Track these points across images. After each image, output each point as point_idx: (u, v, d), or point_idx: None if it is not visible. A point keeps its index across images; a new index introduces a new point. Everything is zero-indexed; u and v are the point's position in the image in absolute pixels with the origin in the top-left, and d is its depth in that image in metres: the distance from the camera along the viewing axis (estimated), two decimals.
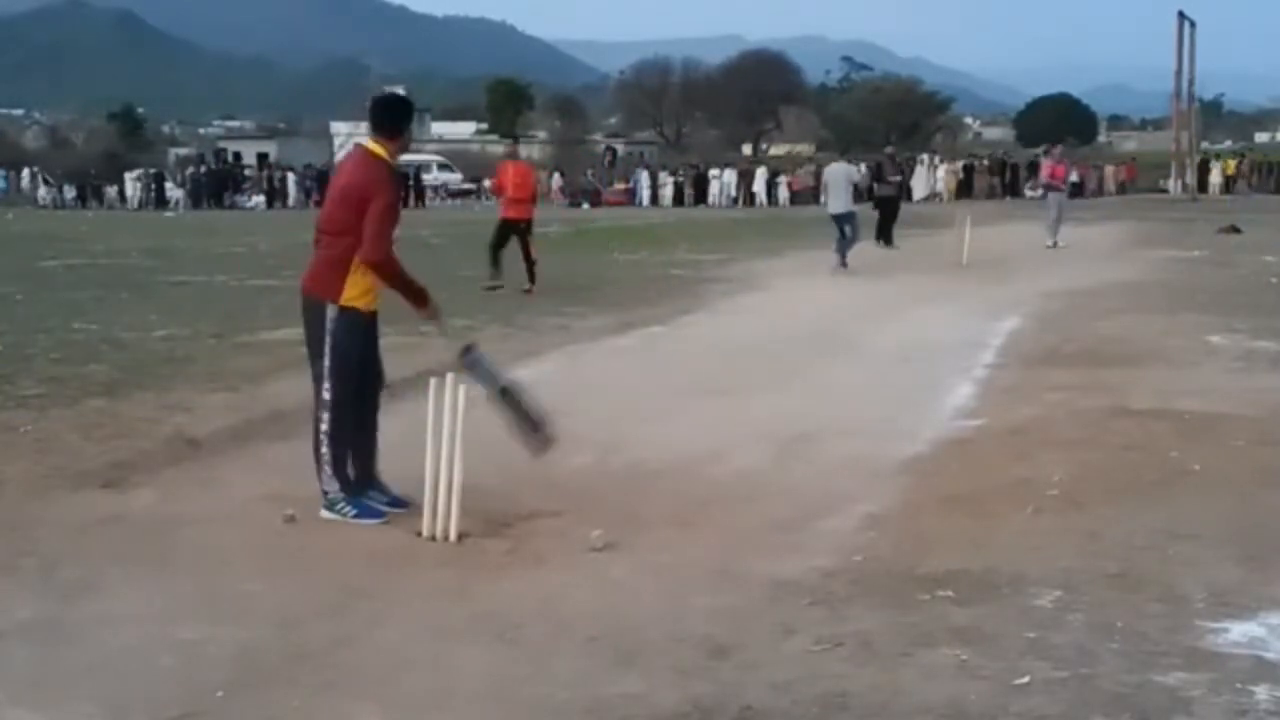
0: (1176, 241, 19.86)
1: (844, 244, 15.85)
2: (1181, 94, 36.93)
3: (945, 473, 5.54)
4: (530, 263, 13.18)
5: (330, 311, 4.83)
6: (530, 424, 4.94)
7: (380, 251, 4.77)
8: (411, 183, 39.19)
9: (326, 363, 4.85)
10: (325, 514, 4.90)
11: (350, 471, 4.94)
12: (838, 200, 16.01)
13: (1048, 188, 20.38)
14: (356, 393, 4.92)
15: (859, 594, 3.93)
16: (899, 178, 19.24)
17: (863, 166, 20.92)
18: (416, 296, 4.95)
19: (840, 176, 16.39)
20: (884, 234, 19.18)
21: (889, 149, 22.30)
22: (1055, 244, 18.92)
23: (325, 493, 4.91)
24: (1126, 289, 12.86)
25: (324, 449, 4.89)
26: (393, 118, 4.98)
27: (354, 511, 4.87)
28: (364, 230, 4.73)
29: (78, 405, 6.77)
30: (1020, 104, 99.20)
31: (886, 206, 19.32)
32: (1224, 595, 3.82)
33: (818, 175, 44.30)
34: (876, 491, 5.25)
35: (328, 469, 4.89)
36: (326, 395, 4.87)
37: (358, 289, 4.84)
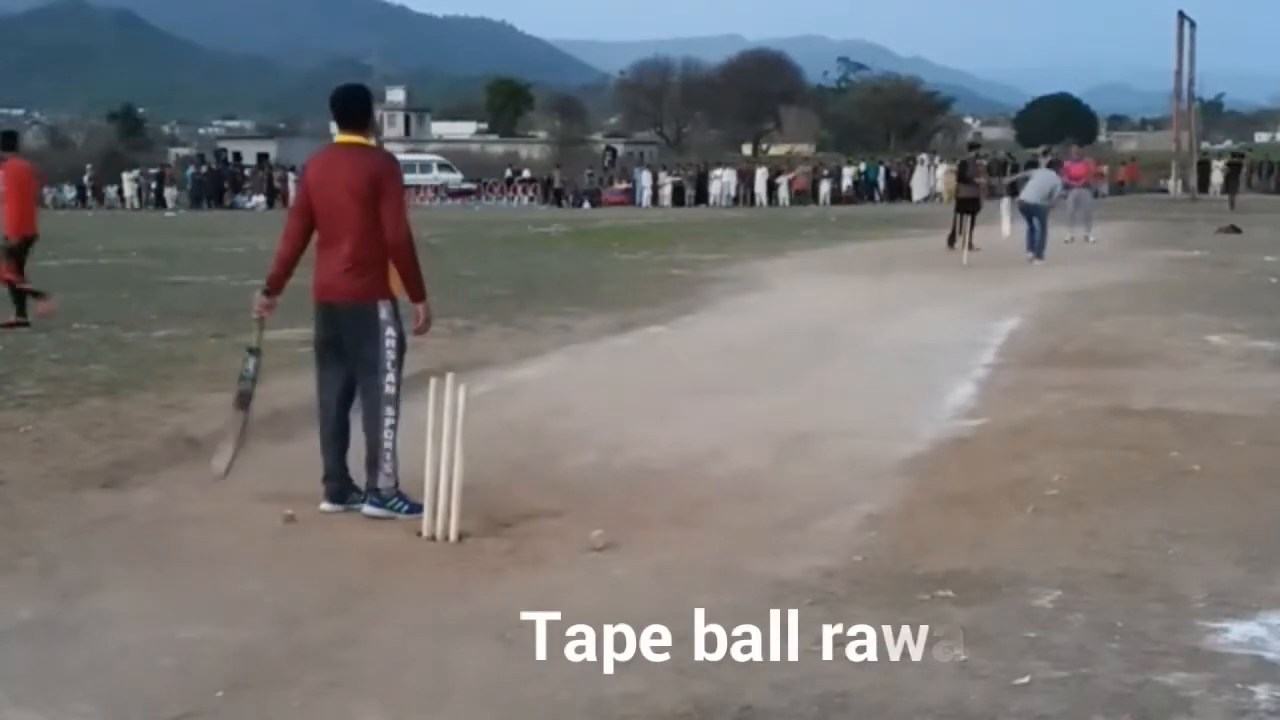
0: (1176, 241, 19.87)
1: (1036, 235, 16.96)
2: (1181, 94, 36.93)
3: (945, 473, 5.54)
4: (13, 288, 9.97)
5: (384, 310, 4.88)
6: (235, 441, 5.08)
7: (406, 230, 4.87)
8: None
9: (390, 358, 4.89)
10: (370, 511, 4.89)
11: (394, 465, 4.94)
12: (1033, 194, 17.27)
13: (1068, 186, 20.63)
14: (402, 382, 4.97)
15: (859, 594, 3.93)
16: (982, 179, 19.28)
17: (940, 167, 20.99)
18: (420, 287, 4.97)
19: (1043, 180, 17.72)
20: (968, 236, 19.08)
21: (973, 151, 22.40)
22: (1086, 238, 19.49)
23: (376, 489, 4.91)
24: (1126, 289, 12.86)
25: (387, 445, 4.88)
26: (360, 109, 5.00)
27: (406, 507, 4.85)
28: (386, 214, 4.80)
29: (78, 405, 6.77)
30: (1020, 104, 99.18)
31: (968, 208, 19.04)
32: (1224, 595, 3.82)
33: (814, 176, 44.71)
34: (876, 491, 5.24)
35: (387, 465, 4.89)
36: (390, 390, 4.89)
37: (394, 277, 4.91)
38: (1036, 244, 16.85)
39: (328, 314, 4.98)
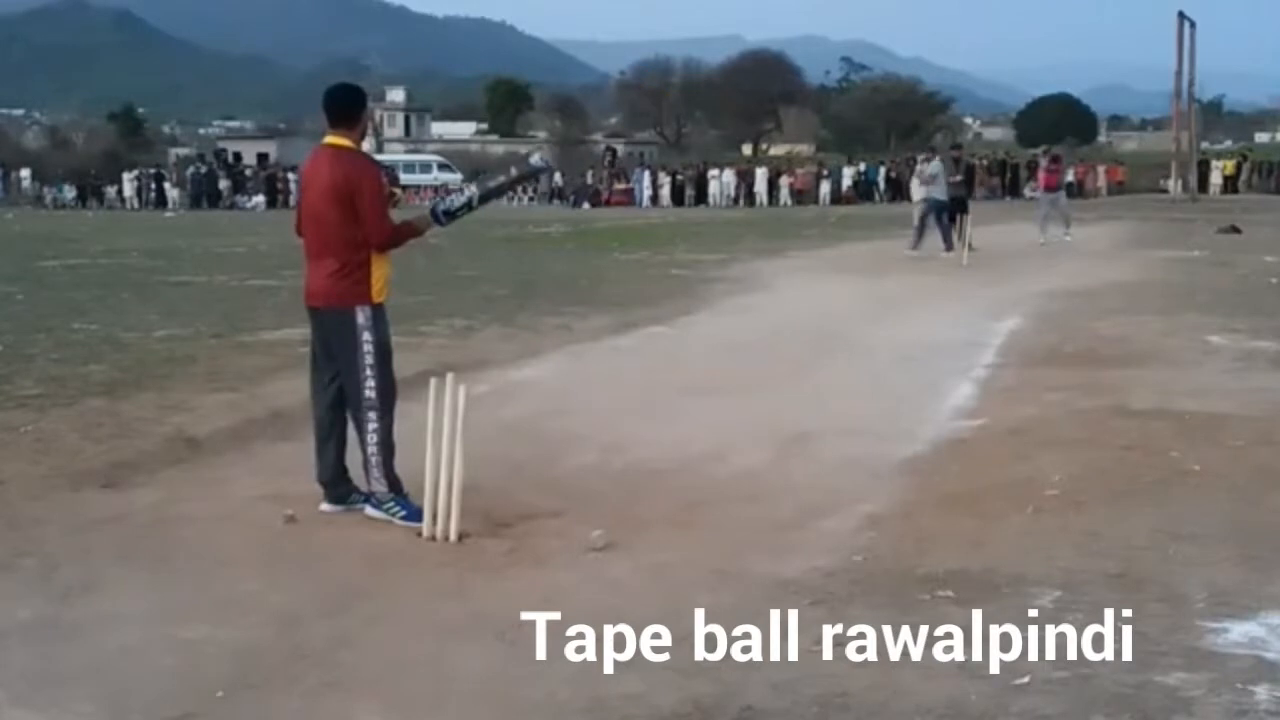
0: (1176, 241, 19.87)
1: (923, 232, 17.62)
2: (1181, 94, 36.91)
3: (945, 473, 5.54)
4: None
5: (361, 315, 4.84)
6: (517, 181, 5.18)
7: (386, 232, 4.83)
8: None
9: (368, 363, 4.85)
10: (371, 512, 4.89)
11: (383, 471, 4.92)
12: (941, 189, 17.84)
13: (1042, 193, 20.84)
14: (392, 387, 4.95)
15: (859, 594, 3.93)
16: (959, 178, 19.30)
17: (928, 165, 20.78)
18: (411, 235, 4.97)
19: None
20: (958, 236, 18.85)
21: (954, 150, 22.35)
22: (1044, 242, 19.40)
23: (372, 493, 4.91)
24: (1126, 289, 12.86)
25: (372, 450, 4.86)
26: (349, 107, 4.97)
27: (403, 513, 4.83)
28: (363, 217, 4.76)
29: (78, 405, 6.76)
30: (1020, 104, 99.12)
31: (956, 207, 18.53)
32: (1224, 595, 3.82)
33: (817, 175, 44.76)
34: (876, 491, 5.24)
35: (376, 470, 4.88)
36: (370, 395, 4.85)
37: (381, 282, 4.88)
38: (920, 240, 17.46)
39: (314, 318, 5.00)
